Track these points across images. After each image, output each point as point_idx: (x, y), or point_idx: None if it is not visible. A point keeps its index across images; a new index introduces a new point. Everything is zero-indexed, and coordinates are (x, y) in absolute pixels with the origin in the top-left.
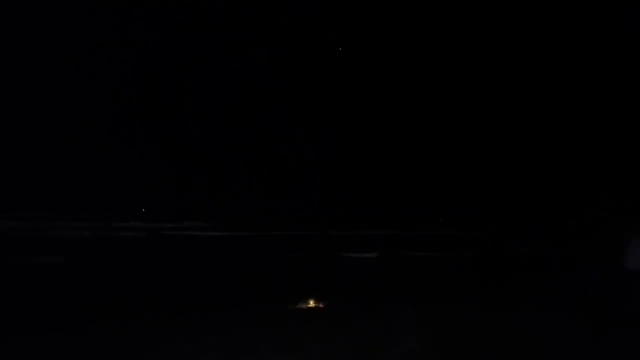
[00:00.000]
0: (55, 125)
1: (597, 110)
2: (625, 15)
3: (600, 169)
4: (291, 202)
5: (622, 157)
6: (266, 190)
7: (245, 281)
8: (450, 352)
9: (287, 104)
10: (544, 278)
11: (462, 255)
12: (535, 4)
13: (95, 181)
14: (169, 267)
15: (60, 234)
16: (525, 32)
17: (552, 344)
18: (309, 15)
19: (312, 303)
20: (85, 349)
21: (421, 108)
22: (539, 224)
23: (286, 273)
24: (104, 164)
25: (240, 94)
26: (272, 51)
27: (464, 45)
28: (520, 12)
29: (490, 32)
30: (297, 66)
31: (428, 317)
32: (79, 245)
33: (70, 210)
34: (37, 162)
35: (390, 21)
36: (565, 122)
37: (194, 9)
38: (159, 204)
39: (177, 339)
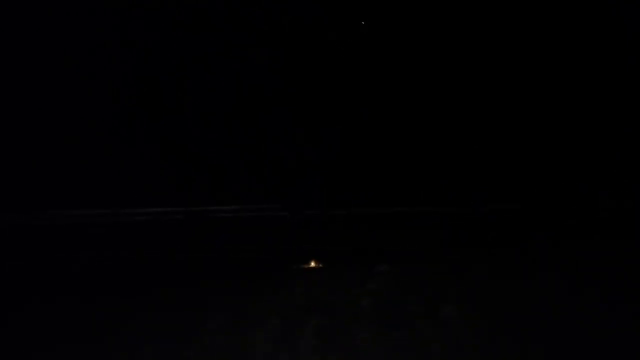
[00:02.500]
0: (67, 124)
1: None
2: (625, 16)
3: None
4: (293, 193)
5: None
6: (267, 189)
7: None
8: (405, 291)
9: (287, 104)
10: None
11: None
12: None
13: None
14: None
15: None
16: (528, 34)
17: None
18: (309, 15)
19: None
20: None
21: (421, 110)
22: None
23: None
24: (107, 162)
25: (240, 94)
26: (272, 51)
27: (467, 44)
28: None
29: (494, 35)
30: (297, 66)
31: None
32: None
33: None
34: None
35: (390, 21)
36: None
37: (194, 9)
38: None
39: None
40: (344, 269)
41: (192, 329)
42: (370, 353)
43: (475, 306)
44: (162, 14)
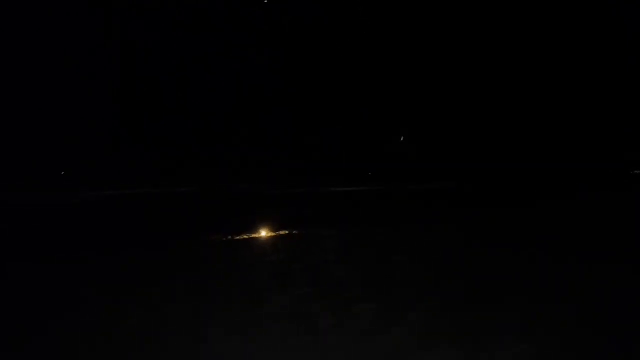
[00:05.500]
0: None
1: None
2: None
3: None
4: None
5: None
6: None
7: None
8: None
9: (287, 104)
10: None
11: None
12: None
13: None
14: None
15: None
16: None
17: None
18: (309, 15)
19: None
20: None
21: (419, 112)
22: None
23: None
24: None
25: (240, 94)
26: (272, 51)
27: (467, 46)
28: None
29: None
30: (297, 66)
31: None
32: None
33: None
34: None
35: (389, 21)
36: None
37: (194, 9)
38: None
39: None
40: (302, 234)
41: (200, 272)
42: (326, 277)
43: (406, 256)
44: (162, 14)
